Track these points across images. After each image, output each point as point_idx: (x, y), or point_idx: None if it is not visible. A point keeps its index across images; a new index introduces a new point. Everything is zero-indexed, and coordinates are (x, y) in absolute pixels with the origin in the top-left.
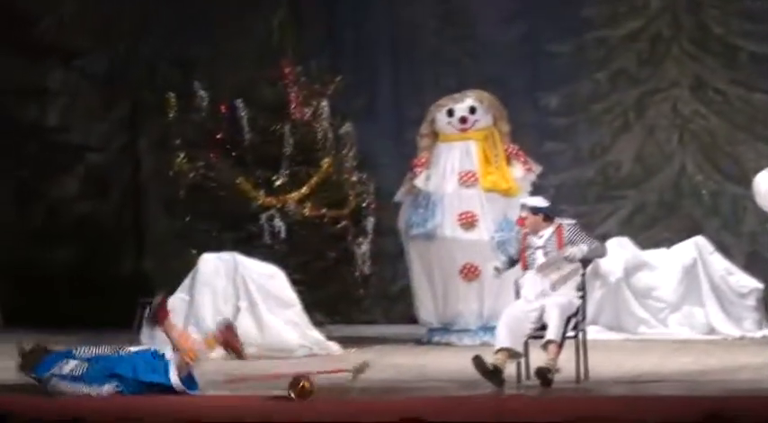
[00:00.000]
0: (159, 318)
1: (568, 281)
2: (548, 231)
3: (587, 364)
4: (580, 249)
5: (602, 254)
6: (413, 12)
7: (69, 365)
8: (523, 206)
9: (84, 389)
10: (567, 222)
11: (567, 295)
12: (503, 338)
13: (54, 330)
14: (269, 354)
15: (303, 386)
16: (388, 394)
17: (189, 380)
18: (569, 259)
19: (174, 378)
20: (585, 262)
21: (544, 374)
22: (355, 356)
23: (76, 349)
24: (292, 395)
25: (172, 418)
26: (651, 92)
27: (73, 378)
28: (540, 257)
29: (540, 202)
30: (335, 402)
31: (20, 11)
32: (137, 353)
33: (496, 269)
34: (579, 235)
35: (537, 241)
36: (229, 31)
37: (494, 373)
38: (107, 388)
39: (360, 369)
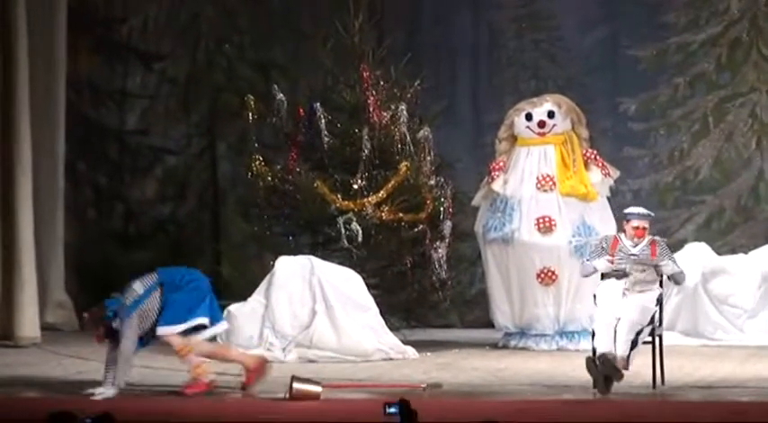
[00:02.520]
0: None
1: (645, 290)
2: (643, 242)
3: (663, 370)
4: (673, 267)
5: (683, 280)
6: (493, 16)
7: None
8: (641, 215)
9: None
10: (659, 238)
11: (643, 301)
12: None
13: None
14: (345, 357)
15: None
16: (465, 397)
17: None
18: (660, 269)
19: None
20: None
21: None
22: (431, 360)
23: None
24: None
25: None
26: (730, 97)
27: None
28: (630, 265)
29: (645, 210)
30: (414, 403)
31: (106, 13)
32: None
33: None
34: (669, 254)
35: (631, 249)
36: (308, 35)
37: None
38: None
39: (433, 386)
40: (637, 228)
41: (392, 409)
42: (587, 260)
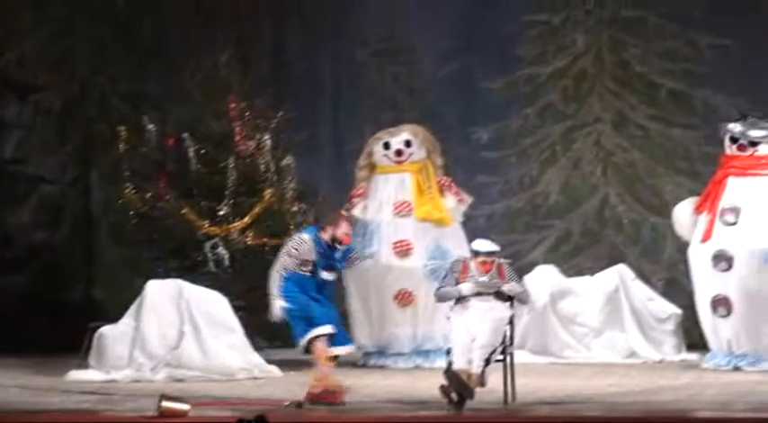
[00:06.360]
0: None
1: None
2: (491, 271)
3: (514, 387)
4: (516, 288)
5: (528, 301)
6: (354, 50)
7: None
8: (489, 253)
9: None
10: (505, 261)
11: (496, 323)
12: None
13: (5, 354)
14: (212, 377)
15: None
16: (326, 413)
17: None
18: (507, 290)
19: None
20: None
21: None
22: (294, 379)
23: None
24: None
25: None
26: (576, 127)
27: None
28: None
29: (492, 245)
30: (276, 420)
31: None
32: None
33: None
34: (516, 276)
35: (479, 277)
36: (178, 68)
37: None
38: None
39: (296, 404)
40: (484, 263)
41: None
42: (442, 287)
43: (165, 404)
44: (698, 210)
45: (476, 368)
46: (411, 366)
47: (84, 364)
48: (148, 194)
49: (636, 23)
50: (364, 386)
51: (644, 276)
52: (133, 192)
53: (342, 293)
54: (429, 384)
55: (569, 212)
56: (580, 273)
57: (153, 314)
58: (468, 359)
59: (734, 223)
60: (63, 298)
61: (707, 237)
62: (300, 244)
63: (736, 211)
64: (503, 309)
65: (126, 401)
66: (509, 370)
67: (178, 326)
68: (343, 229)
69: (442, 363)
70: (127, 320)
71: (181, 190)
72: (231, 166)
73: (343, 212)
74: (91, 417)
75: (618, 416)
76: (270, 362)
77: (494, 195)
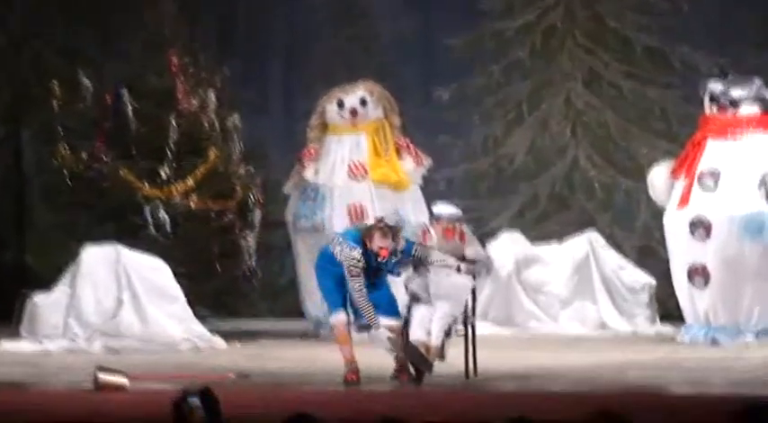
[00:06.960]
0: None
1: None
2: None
3: (476, 360)
4: (480, 253)
5: (491, 269)
6: (307, 4)
7: None
8: (451, 218)
9: None
10: (467, 228)
11: (456, 292)
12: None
13: None
14: (152, 347)
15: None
16: (273, 388)
17: None
18: (471, 255)
19: None
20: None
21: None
22: (240, 351)
23: None
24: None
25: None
26: (544, 85)
27: None
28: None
29: (455, 209)
30: (225, 394)
31: None
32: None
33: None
34: (479, 244)
35: (443, 243)
36: (118, 21)
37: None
38: None
39: (240, 376)
40: (447, 229)
41: (193, 398)
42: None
43: (102, 377)
44: (674, 174)
45: (435, 340)
46: (365, 337)
47: (14, 334)
48: (84, 154)
49: None
50: (314, 359)
51: (616, 244)
52: (68, 151)
53: (292, 261)
54: (385, 357)
55: (536, 176)
56: (547, 240)
57: (89, 281)
58: (426, 330)
59: (713, 188)
60: None
61: (684, 202)
62: (358, 263)
63: (715, 175)
64: (464, 277)
65: (60, 374)
66: (470, 342)
67: (116, 293)
68: (376, 243)
69: None
70: (61, 287)
71: (119, 150)
72: (173, 124)
73: (377, 224)
74: (21, 390)
75: (586, 391)
76: (215, 332)
77: (455, 158)
